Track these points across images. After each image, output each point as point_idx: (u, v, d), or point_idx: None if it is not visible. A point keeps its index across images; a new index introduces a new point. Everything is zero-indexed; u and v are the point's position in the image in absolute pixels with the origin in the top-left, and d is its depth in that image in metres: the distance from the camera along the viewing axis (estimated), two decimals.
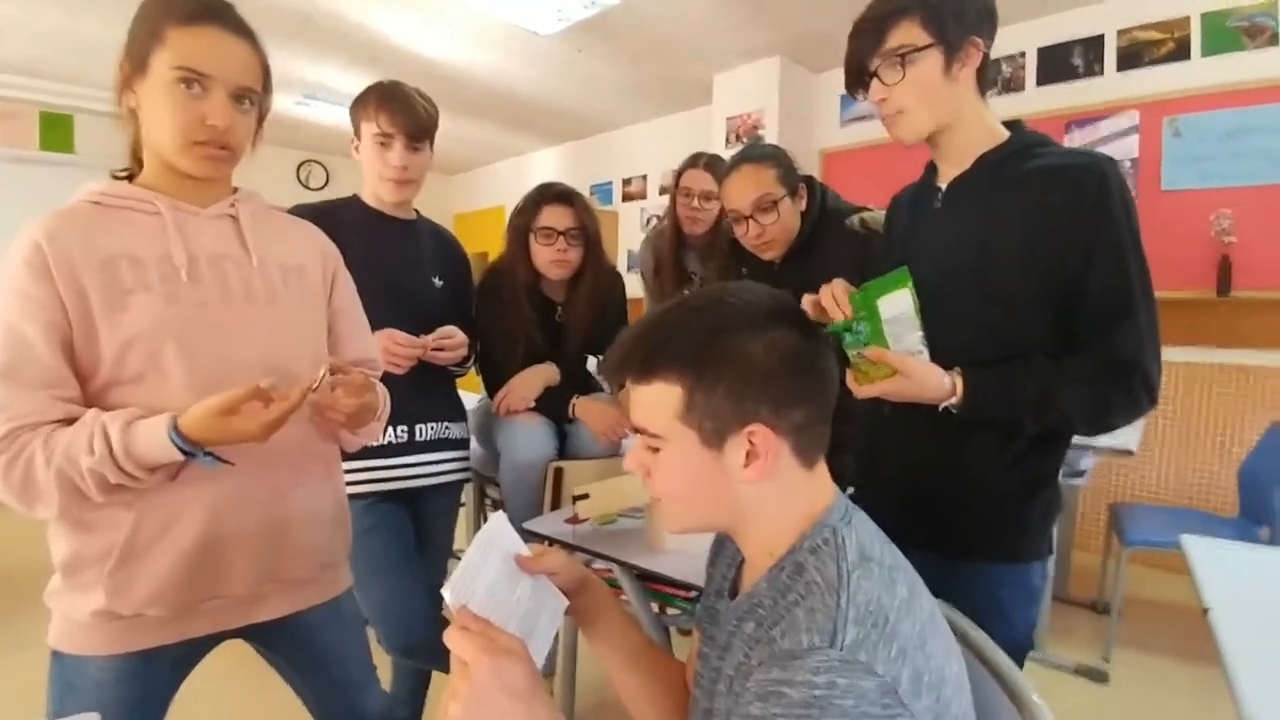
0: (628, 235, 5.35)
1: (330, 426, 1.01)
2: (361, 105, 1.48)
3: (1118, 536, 2.44)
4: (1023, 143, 1.02)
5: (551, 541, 1.42)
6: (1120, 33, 3.12)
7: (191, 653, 0.97)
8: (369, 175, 1.51)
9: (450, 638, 0.61)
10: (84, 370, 0.84)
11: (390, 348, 1.41)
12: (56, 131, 4.89)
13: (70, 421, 0.81)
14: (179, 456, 0.80)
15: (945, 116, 1.03)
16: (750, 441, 0.62)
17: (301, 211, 1.30)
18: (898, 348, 0.99)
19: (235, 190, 1.00)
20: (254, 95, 0.92)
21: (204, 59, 0.86)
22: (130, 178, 0.95)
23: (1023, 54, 3.39)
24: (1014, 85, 3.42)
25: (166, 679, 0.96)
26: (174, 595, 0.88)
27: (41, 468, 0.78)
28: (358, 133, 1.51)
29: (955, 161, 1.07)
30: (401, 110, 1.45)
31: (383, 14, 3.41)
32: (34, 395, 0.80)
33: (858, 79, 1.06)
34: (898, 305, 0.98)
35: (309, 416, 0.97)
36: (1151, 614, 2.68)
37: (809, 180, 1.62)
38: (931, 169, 1.15)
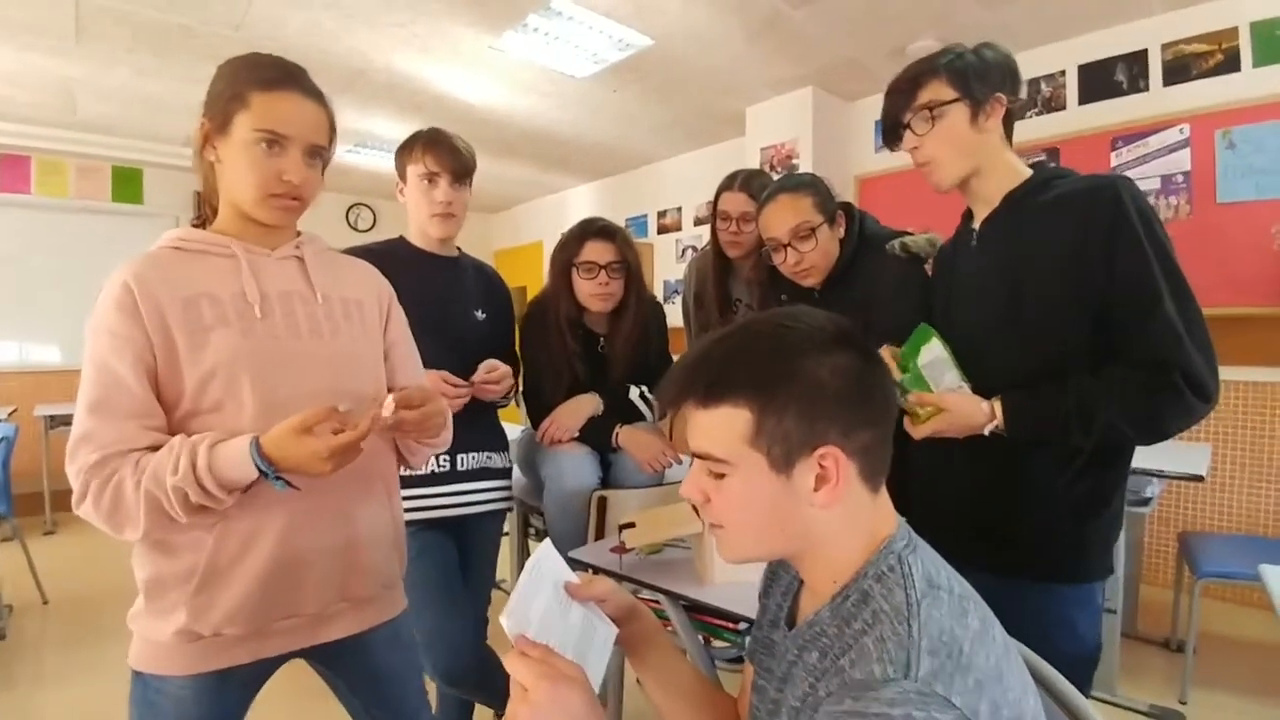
0: (663, 266, 5.40)
1: (401, 439, 1.08)
2: (407, 150, 1.56)
3: (1189, 568, 2.31)
4: (1043, 177, 1.11)
5: (598, 571, 1.42)
6: (1165, 46, 3.06)
7: (262, 672, 1.00)
8: (416, 214, 1.58)
9: (510, 663, 0.61)
10: (168, 401, 0.90)
11: (441, 389, 1.45)
12: (127, 184, 5.23)
13: (157, 448, 0.86)
14: (255, 473, 0.84)
15: (975, 162, 1.13)
16: (820, 465, 0.61)
17: (355, 253, 1.36)
18: (939, 389, 1.09)
19: (299, 234, 1.07)
20: (323, 151, 1.00)
21: (283, 122, 0.94)
22: (204, 224, 1.02)
23: (1062, 72, 3.33)
24: (1055, 104, 3.35)
25: (239, 697, 1.00)
26: (251, 614, 0.92)
27: (130, 490, 0.83)
28: (403, 176, 1.58)
29: (986, 203, 1.16)
30: (445, 151, 1.53)
31: (428, 66, 3.58)
32: (124, 425, 0.86)
33: (893, 133, 1.17)
34: (931, 353, 1.10)
35: (378, 434, 1.01)
36: (1228, 650, 2.53)
37: (846, 207, 1.63)
38: (968, 215, 1.24)
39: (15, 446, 3.20)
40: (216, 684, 0.94)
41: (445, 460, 1.54)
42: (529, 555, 0.76)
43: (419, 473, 1.50)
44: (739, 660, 2.19)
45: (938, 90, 1.10)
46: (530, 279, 6.52)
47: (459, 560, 1.55)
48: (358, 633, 1.05)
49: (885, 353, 1.14)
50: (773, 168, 4.08)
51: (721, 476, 0.64)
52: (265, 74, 0.95)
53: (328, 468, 0.85)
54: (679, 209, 5.35)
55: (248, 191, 0.95)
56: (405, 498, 1.45)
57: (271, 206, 0.96)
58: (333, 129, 1.03)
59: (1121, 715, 2.11)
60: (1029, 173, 1.13)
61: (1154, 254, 0.96)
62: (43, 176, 4.92)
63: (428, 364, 1.36)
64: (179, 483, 0.82)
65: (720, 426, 0.63)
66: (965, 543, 0.81)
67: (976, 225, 1.18)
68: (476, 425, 1.61)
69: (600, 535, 1.68)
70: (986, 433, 1.02)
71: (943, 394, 1.06)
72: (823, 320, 0.66)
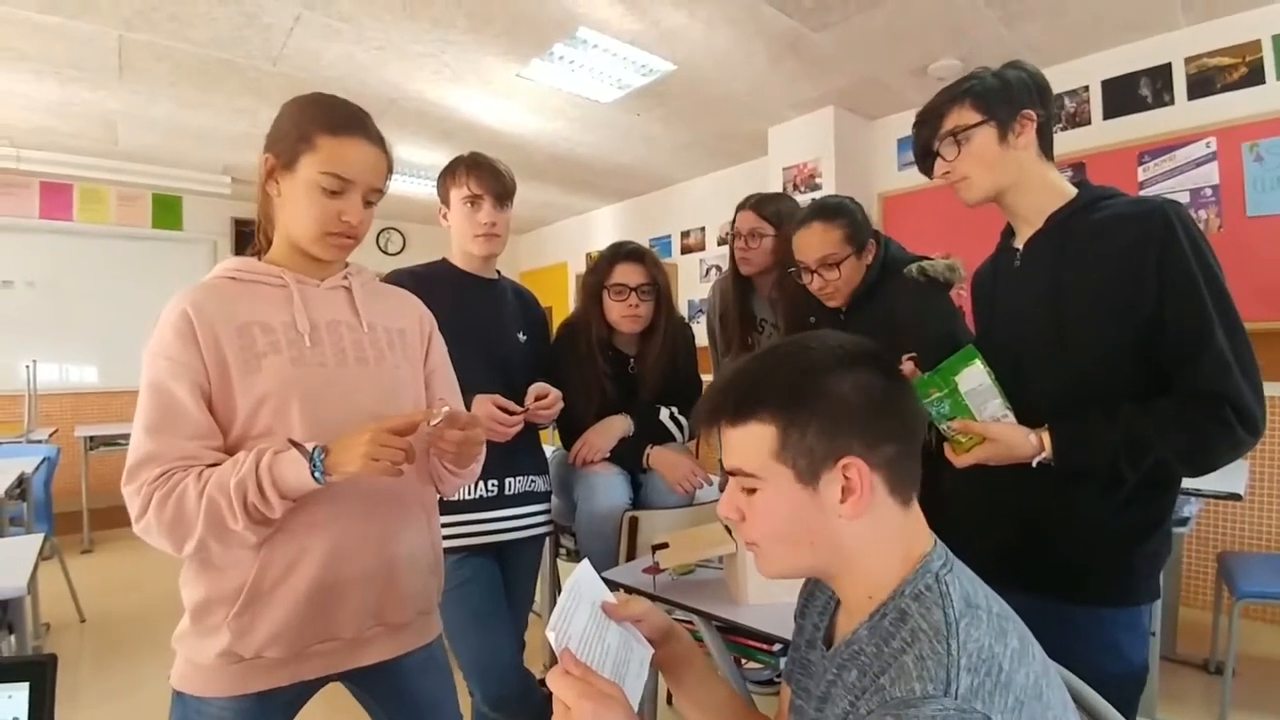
0: (687, 286, 5.43)
1: (436, 464, 1.09)
2: (450, 174, 1.61)
3: (1228, 588, 2.26)
4: (1090, 197, 1.09)
5: (631, 591, 1.43)
6: (1188, 60, 3.04)
7: (300, 695, 1.02)
8: (460, 236, 1.62)
9: (554, 681, 0.63)
10: (221, 426, 0.93)
11: (496, 416, 1.47)
12: (167, 211, 5.41)
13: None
14: (309, 475, 0.86)
15: (1006, 179, 1.11)
16: (845, 475, 0.63)
17: (401, 276, 1.40)
18: (982, 416, 1.06)
19: (347, 264, 1.12)
20: (379, 193, 1.05)
21: (349, 167, 0.98)
22: (257, 254, 1.06)
23: (1086, 88, 3.33)
24: (1080, 119, 3.36)
25: None
26: (292, 637, 0.95)
27: (194, 498, 0.86)
28: (445, 201, 1.62)
29: (1028, 222, 1.14)
30: (488, 174, 1.58)
31: (457, 94, 3.67)
32: (185, 445, 0.89)
33: (924, 161, 1.18)
34: (974, 379, 1.06)
35: (416, 460, 1.02)
36: (1269, 672, 2.47)
37: (875, 235, 1.67)
38: (1008, 233, 1.22)
39: (56, 467, 3.29)
40: (257, 706, 0.95)
41: (494, 485, 1.56)
42: (559, 576, 0.78)
43: (468, 497, 1.52)
44: (770, 683, 2.17)
45: (962, 116, 1.11)
46: (556, 300, 6.58)
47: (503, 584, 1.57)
48: (392, 657, 1.07)
49: (906, 366, 1.13)
50: (796, 187, 4.11)
51: (753, 492, 0.67)
52: (333, 118, 0.99)
53: (371, 449, 0.86)
54: (702, 229, 5.39)
55: (308, 229, 0.99)
56: (455, 522, 1.48)
57: (328, 244, 1.01)
58: (390, 171, 1.08)
59: None
60: (1073, 191, 1.11)
61: (1205, 283, 0.95)
62: (85, 204, 5.12)
63: (474, 386, 1.38)
64: (242, 477, 0.85)
65: (749, 442, 0.66)
66: (1009, 566, 0.82)
67: (1019, 245, 1.17)
68: (522, 449, 1.63)
69: (631, 556, 1.69)
70: (1034, 465, 1.01)
71: (987, 424, 1.04)
72: (845, 340, 0.69)
